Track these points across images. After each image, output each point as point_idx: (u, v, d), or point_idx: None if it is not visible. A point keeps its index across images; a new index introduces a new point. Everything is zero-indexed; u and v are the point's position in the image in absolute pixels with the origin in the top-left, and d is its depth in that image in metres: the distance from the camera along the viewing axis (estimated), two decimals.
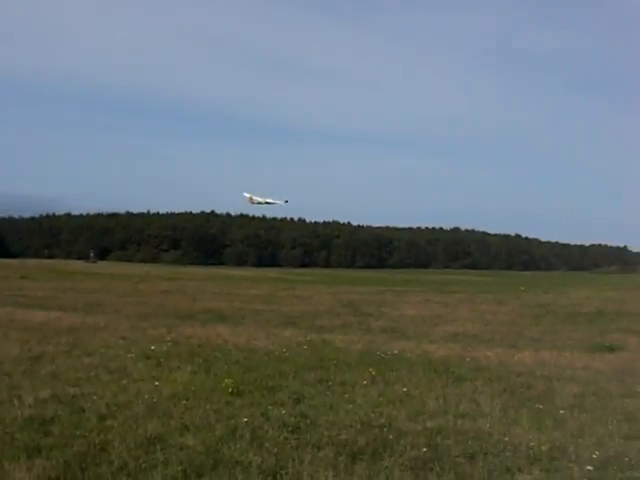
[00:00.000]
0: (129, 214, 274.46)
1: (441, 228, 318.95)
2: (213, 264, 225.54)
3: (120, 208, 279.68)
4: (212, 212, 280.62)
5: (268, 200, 71.59)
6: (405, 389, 14.49)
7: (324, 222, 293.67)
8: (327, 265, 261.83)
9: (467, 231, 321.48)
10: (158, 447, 10.00)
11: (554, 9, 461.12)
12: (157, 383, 14.45)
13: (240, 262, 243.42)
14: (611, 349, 23.49)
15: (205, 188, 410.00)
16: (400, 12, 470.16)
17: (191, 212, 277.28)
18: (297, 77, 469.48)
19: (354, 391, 14.35)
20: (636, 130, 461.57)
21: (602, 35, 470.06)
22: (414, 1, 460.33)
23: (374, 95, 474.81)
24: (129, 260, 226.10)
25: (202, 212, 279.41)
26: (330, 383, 15.13)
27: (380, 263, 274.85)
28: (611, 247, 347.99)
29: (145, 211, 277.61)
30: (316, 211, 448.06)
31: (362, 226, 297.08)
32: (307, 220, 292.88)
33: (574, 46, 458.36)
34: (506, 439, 10.70)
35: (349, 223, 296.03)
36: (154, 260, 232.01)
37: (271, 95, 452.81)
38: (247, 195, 70.55)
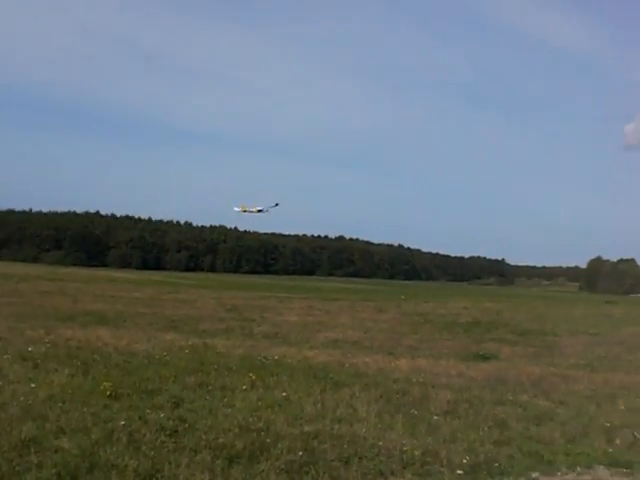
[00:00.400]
0: (10, 211, 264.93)
1: (326, 236, 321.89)
2: (96, 266, 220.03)
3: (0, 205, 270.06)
4: (97, 213, 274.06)
5: (260, 208, 71.03)
6: (284, 394, 14.60)
7: (210, 226, 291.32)
8: (212, 269, 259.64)
9: (351, 240, 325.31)
10: (32, 450, 9.76)
11: (444, 24, 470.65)
12: (33, 385, 14.07)
13: (124, 264, 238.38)
14: (485, 358, 24.35)
15: (90, 188, 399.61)
16: (296, 21, 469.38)
17: (75, 212, 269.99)
18: (186, 79, 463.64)
19: (234, 395, 14.36)
20: (517, 147, 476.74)
21: (484, 53, 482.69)
22: (311, 10, 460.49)
23: (265, 101, 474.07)
24: (9, 259, 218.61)
25: (86, 212, 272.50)
26: (210, 387, 15.10)
27: (265, 269, 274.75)
28: (490, 260, 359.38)
29: (27, 209, 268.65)
30: (203, 215, 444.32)
31: (248, 231, 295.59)
32: (193, 224, 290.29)
33: (465, 62, 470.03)
34: (380, 443, 10.92)
35: (235, 228, 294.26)
36: (35, 260, 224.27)
37: (160, 96, 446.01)
38: (238, 209, 69.87)
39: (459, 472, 9.85)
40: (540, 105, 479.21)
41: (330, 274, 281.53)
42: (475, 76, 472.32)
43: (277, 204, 72.21)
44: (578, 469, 10.34)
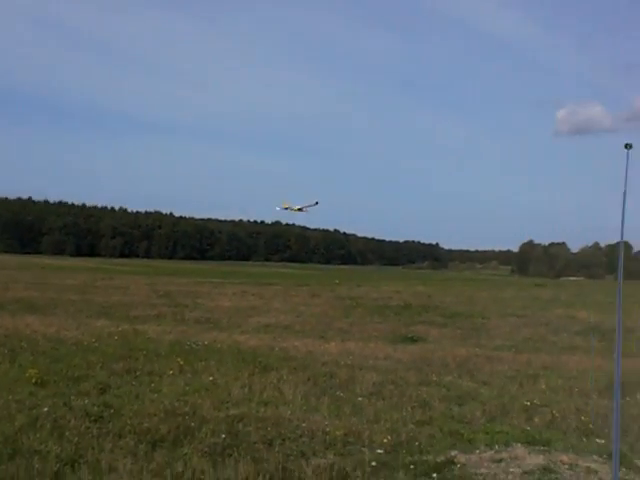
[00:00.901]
0: None
1: (262, 222, 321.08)
2: (29, 253, 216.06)
3: None
4: (29, 199, 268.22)
5: (299, 207, 71.36)
6: (212, 378, 14.68)
7: (146, 212, 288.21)
8: (148, 256, 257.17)
9: (287, 225, 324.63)
10: None
11: (376, 9, 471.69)
12: None
13: (58, 251, 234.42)
14: (413, 340, 24.77)
15: (22, 173, 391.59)
16: (228, 4, 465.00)
17: (6, 198, 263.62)
18: (122, 64, 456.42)
19: (161, 381, 14.40)
20: (451, 132, 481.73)
21: (418, 39, 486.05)
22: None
23: (199, 88, 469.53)
24: None
25: (19, 198, 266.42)
26: (138, 373, 15.11)
27: (201, 255, 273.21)
28: (424, 244, 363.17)
29: None
30: (138, 200, 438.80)
31: (184, 217, 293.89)
32: (128, 209, 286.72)
33: (396, 47, 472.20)
34: (304, 425, 11.07)
35: (171, 214, 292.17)
36: None
37: (93, 81, 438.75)
38: (279, 208, 70.35)
39: (379, 451, 10.02)
40: (474, 91, 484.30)
41: (266, 259, 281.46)
42: (406, 61, 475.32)
43: (317, 202, 72.50)
44: (496, 447, 10.56)
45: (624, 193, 4.38)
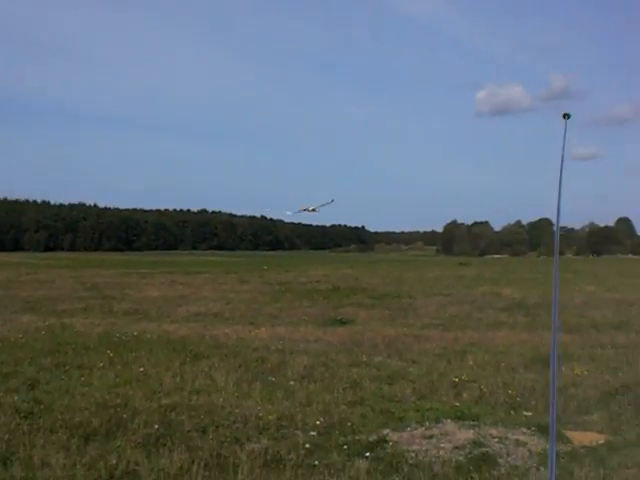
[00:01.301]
0: None
1: (189, 210, 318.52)
2: None
3: None
4: None
5: (313, 207, 70.77)
6: (142, 369, 14.63)
7: (69, 204, 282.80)
8: (73, 249, 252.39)
9: (214, 213, 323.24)
10: None
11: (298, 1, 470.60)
12: None
13: None
14: (343, 322, 24.98)
15: None
16: None
17: None
18: (39, 53, 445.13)
19: (91, 374, 14.28)
20: (372, 115, 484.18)
21: (339, 22, 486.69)
22: None
23: (122, 76, 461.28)
24: None
25: None
26: (67, 367, 14.95)
27: (128, 246, 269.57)
28: (350, 227, 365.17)
29: None
30: (61, 193, 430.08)
31: (109, 208, 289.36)
32: (51, 202, 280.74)
33: (319, 31, 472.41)
34: (237, 411, 11.14)
35: (95, 205, 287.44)
36: None
37: (15, 71, 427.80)
38: (290, 213, 70.66)
39: (312, 433, 10.15)
40: (395, 74, 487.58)
41: (194, 248, 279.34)
42: (325, 45, 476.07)
43: (332, 200, 72.60)
44: (427, 424, 10.78)
45: (561, 163, 4.46)
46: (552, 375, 4.17)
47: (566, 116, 4.63)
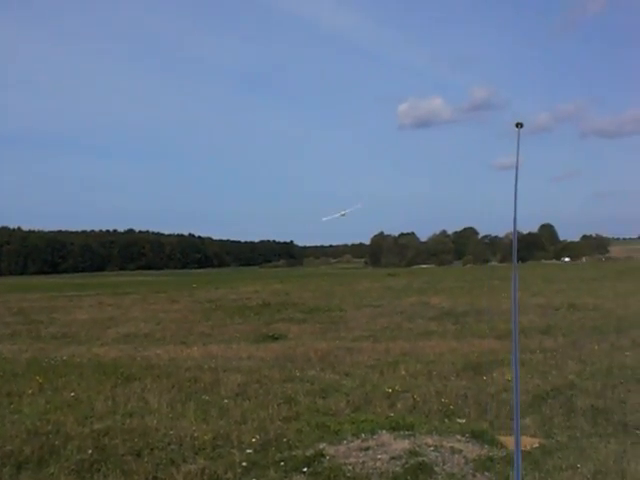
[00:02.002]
0: None
1: (115, 230, 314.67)
2: None
3: None
4: None
5: (343, 213, 72.08)
6: (73, 394, 14.35)
7: None
8: None
9: (141, 232, 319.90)
10: None
11: (220, 10, 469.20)
12: None
13: None
14: (275, 338, 24.99)
15: None
16: (69, 11, 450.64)
17: None
18: None
19: (21, 401, 13.95)
20: (299, 130, 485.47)
21: (262, 39, 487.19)
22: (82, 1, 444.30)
23: (44, 96, 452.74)
24: None
25: None
26: None
27: (54, 269, 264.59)
28: (279, 242, 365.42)
29: None
30: None
31: (33, 231, 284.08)
32: None
33: (241, 48, 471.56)
34: (172, 432, 11.00)
35: (19, 228, 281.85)
36: None
37: None
38: (326, 218, 75.41)
39: (249, 451, 10.09)
40: (319, 89, 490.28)
41: (122, 268, 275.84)
42: (249, 61, 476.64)
43: (361, 205, 73.98)
44: (363, 436, 10.81)
45: (516, 172, 4.51)
46: (515, 380, 4.27)
47: (519, 125, 4.70)
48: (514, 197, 4.36)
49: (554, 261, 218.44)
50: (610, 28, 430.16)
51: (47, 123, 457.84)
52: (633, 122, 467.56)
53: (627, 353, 17.95)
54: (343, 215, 75.55)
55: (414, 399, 13.15)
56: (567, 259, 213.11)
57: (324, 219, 77.80)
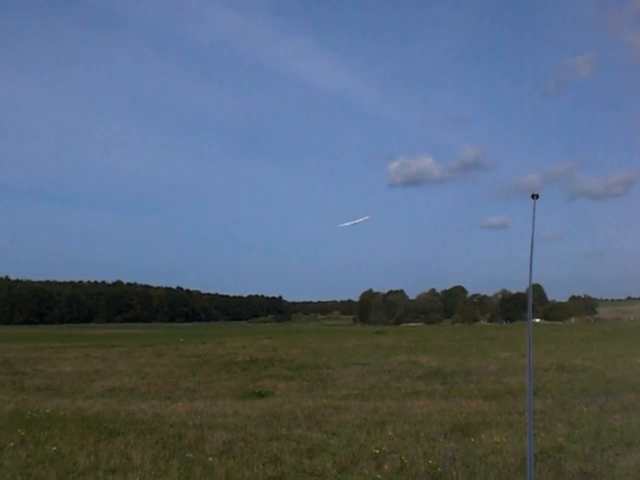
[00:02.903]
0: None
1: (103, 282, 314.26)
2: None
3: None
4: None
5: (355, 221, 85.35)
6: (55, 448, 14.11)
7: None
8: None
9: (129, 284, 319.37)
10: None
11: (212, 66, 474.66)
12: None
13: None
14: (261, 395, 24.74)
15: None
16: (60, 63, 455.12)
17: None
18: None
19: (2, 454, 13.72)
20: (289, 187, 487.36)
21: (254, 94, 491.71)
22: (75, 52, 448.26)
23: (29, 145, 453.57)
24: None
25: None
26: None
27: (40, 319, 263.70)
28: (268, 297, 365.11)
29: None
30: None
31: (20, 280, 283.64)
32: None
33: (234, 104, 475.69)
34: None
35: (7, 278, 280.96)
36: None
37: None
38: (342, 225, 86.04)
39: None
40: (309, 146, 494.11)
41: (109, 320, 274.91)
42: (243, 117, 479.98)
43: (367, 217, 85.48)
44: None
45: (531, 241, 4.55)
46: (529, 441, 4.25)
47: (534, 196, 4.75)
48: (529, 264, 4.39)
49: (542, 321, 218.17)
50: (599, 92, 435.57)
51: (35, 173, 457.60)
52: (621, 184, 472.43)
53: (616, 416, 17.80)
54: (355, 224, 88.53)
55: (402, 460, 12.96)
56: (537, 320, 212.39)
57: (340, 225, 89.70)
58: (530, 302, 5.21)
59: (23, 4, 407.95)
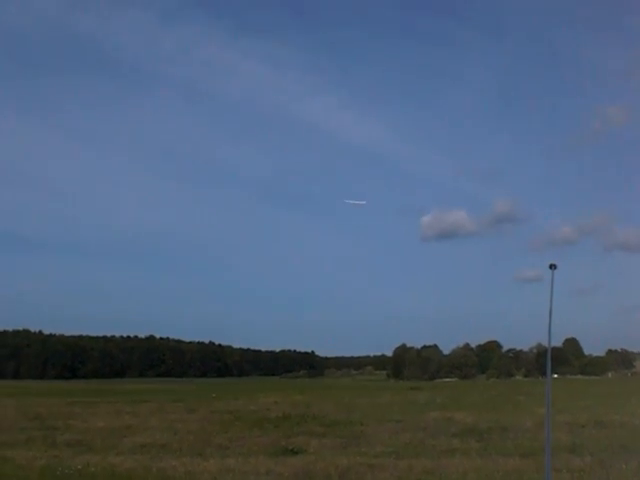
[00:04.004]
0: None
1: (136, 336, 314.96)
2: None
3: None
4: None
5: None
6: None
7: (13, 330, 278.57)
8: (16, 376, 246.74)
9: (162, 339, 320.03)
10: None
11: (240, 120, 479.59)
12: None
13: None
14: (294, 452, 24.43)
15: None
16: (76, 110, 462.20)
17: None
18: None
19: None
20: (321, 241, 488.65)
21: (283, 149, 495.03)
22: (96, 99, 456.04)
23: (57, 200, 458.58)
24: None
25: None
26: None
27: (73, 373, 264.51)
28: (300, 352, 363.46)
29: None
30: (5, 319, 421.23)
31: (54, 334, 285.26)
32: None
33: (264, 158, 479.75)
34: None
35: (40, 332, 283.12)
36: None
37: None
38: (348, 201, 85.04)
39: None
40: (341, 200, 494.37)
41: (141, 375, 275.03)
42: (275, 172, 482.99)
43: (364, 202, 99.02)
44: None
45: (549, 312, 4.55)
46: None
47: (552, 267, 4.76)
48: (548, 334, 4.36)
49: (579, 376, 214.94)
50: (632, 141, 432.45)
51: (68, 228, 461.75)
52: None
53: None
54: (354, 204, 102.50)
55: None
56: (556, 375, 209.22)
57: (346, 201, 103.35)
58: (549, 365, 5.23)
59: (60, 63, 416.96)
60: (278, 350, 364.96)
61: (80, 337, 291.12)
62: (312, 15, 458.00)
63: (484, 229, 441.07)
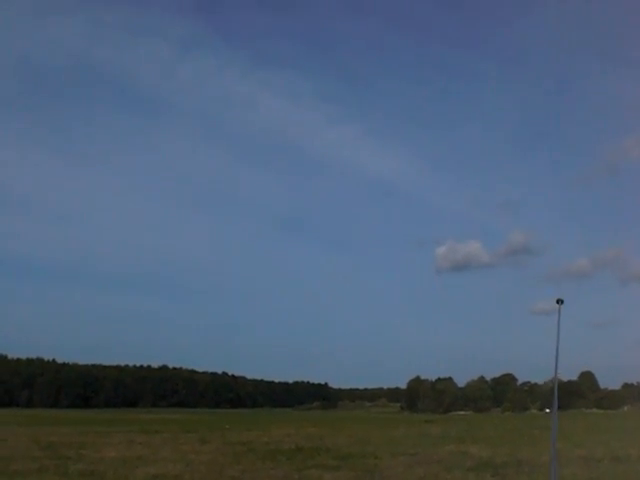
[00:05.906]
0: None
1: (149, 366, 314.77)
2: None
3: None
4: None
5: None
6: None
7: (27, 359, 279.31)
8: (29, 405, 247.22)
9: (175, 369, 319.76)
10: None
11: (261, 153, 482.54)
12: None
13: None
14: None
15: None
16: (104, 143, 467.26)
17: None
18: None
19: None
20: (335, 272, 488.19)
21: (294, 182, 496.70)
22: (126, 136, 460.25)
23: (73, 228, 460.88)
24: None
25: None
26: None
27: (86, 402, 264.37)
28: (313, 384, 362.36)
29: None
30: (19, 348, 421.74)
31: (67, 364, 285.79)
32: (8, 356, 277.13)
33: (283, 191, 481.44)
34: None
35: (54, 360, 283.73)
36: None
37: None
38: None
39: None
40: (356, 231, 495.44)
41: (154, 405, 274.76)
42: (292, 203, 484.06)
43: None
44: None
45: (557, 346, 4.57)
46: None
47: (560, 301, 4.80)
48: (554, 368, 4.36)
49: (595, 410, 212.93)
50: None
51: (84, 256, 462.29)
52: None
53: None
54: None
55: None
56: (547, 410, 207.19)
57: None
58: (555, 400, 5.24)
59: (76, 93, 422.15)
60: (291, 381, 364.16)
61: (93, 366, 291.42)
62: (329, 46, 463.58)
63: (499, 260, 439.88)
